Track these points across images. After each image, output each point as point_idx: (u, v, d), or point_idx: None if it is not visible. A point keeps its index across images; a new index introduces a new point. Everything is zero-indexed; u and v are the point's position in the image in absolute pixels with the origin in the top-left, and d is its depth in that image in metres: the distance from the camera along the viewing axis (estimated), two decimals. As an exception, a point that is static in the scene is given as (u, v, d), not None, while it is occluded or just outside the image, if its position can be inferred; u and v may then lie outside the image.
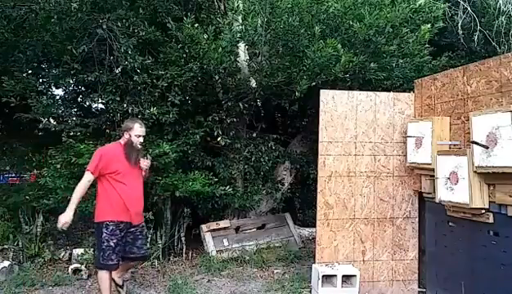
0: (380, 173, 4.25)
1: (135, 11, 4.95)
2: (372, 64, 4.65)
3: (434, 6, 4.90)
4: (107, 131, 5.44)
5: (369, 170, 4.24)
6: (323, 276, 3.97)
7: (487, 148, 2.97)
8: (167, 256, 5.34)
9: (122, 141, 3.73)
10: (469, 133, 3.27)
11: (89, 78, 5.05)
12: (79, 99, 6.58)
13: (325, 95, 4.25)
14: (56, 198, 4.90)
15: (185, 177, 4.98)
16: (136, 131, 3.68)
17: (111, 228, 3.51)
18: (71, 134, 5.23)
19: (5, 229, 5.52)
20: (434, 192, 3.57)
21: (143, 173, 3.86)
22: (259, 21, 4.42)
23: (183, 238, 5.55)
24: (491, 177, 3.04)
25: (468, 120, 3.29)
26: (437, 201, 3.52)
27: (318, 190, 4.21)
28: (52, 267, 4.92)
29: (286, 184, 6.27)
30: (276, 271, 4.96)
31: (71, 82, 5.88)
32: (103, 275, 3.56)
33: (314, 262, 4.23)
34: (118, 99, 5.22)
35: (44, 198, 5.02)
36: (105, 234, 3.50)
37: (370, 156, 4.24)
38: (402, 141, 4.21)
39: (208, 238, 5.42)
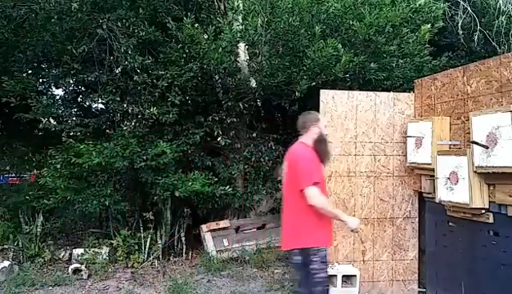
0: (380, 173, 4.25)
1: (135, 11, 4.95)
2: (372, 64, 4.65)
3: (434, 6, 4.91)
4: (107, 131, 5.44)
5: (369, 170, 4.24)
6: (323, 276, 3.96)
7: (487, 148, 2.97)
8: (167, 256, 5.34)
9: (306, 140, 2.90)
10: (469, 133, 3.27)
11: (89, 78, 5.05)
12: (79, 99, 6.58)
13: (325, 95, 4.25)
14: (56, 198, 4.90)
15: (185, 177, 4.97)
16: (324, 122, 3.01)
17: (324, 253, 2.77)
18: (71, 134, 5.23)
19: (5, 229, 5.53)
20: (434, 192, 3.57)
21: None
22: (259, 21, 4.42)
23: (183, 238, 5.55)
24: (491, 177, 3.04)
25: (468, 120, 3.29)
26: (437, 201, 3.52)
27: (318, 190, 4.20)
28: (52, 267, 4.92)
29: (286, 184, 6.26)
30: (276, 271, 4.95)
31: (71, 82, 5.88)
32: None
33: (314, 262, 4.23)
34: (118, 99, 5.23)
35: (44, 198, 5.02)
36: (315, 262, 2.73)
37: (370, 156, 4.24)
38: (402, 141, 4.21)
39: (208, 238, 5.42)
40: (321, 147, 2.86)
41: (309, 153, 2.81)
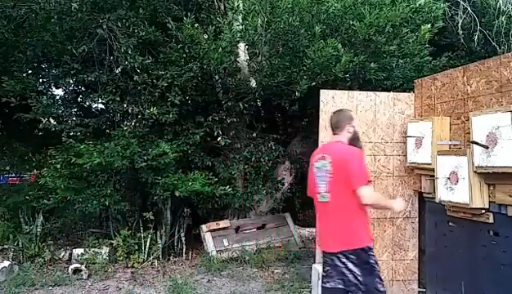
0: (380, 173, 4.24)
1: (135, 11, 4.95)
2: (372, 64, 4.65)
3: (434, 6, 4.90)
4: (107, 131, 5.44)
5: (369, 170, 4.22)
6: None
7: (487, 148, 2.97)
8: (167, 256, 5.34)
9: (342, 139, 2.87)
10: (469, 133, 3.27)
11: (89, 78, 5.05)
12: (79, 99, 6.58)
13: (325, 95, 4.24)
14: (56, 198, 4.91)
15: (185, 177, 4.97)
16: (356, 120, 2.98)
17: (372, 249, 2.80)
18: (71, 134, 5.23)
19: (5, 229, 5.53)
20: (434, 192, 3.57)
21: None
22: (259, 21, 4.42)
23: (183, 238, 5.55)
24: (491, 177, 3.04)
25: (468, 120, 3.29)
26: (437, 201, 3.51)
27: (318, 190, 4.20)
28: (52, 267, 4.92)
29: (286, 184, 6.27)
30: (276, 271, 4.95)
31: (71, 82, 5.88)
32: None
33: (314, 262, 4.23)
34: (118, 99, 5.23)
35: (44, 198, 5.02)
36: (372, 257, 2.75)
37: (370, 156, 4.23)
38: (402, 141, 4.20)
39: (208, 238, 5.42)
40: (356, 146, 2.88)
41: (358, 153, 2.81)
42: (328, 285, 2.81)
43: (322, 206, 2.83)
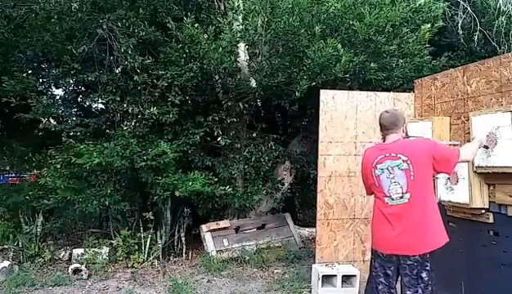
0: (380, 173, 4.24)
1: (135, 11, 4.95)
2: (372, 64, 4.65)
3: (434, 5, 4.90)
4: (107, 131, 5.44)
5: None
6: (323, 276, 3.96)
7: (487, 148, 2.97)
8: (167, 256, 5.34)
9: (399, 137, 2.80)
10: (469, 133, 3.27)
11: (89, 78, 5.05)
12: (79, 99, 6.59)
13: (325, 95, 4.24)
14: (56, 198, 4.91)
15: (185, 177, 4.97)
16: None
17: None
18: (71, 134, 5.23)
19: (5, 229, 5.53)
20: (434, 192, 3.57)
21: None
22: (259, 21, 4.42)
23: (183, 238, 5.55)
24: (491, 177, 3.04)
25: (468, 120, 3.30)
26: (437, 201, 3.51)
27: (318, 190, 4.21)
28: (52, 267, 4.92)
29: (286, 184, 6.27)
30: (276, 271, 4.95)
31: (71, 82, 5.88)
32: None
33: (314, 262, 4.23)
34: (118, 99, 5.23)
35: (44, 198, 5.02)
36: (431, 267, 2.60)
37: (370, 156, 4.23)
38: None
39: (208, 238, 5.42)
40: None
41: (427, 139, 2.97)
42: None
43: (394, 208, 2.64)
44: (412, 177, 2.58)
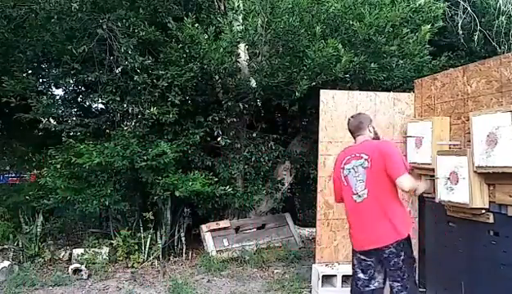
0: (380, 173, 4.24)
1: (135, 11, 4.95)
2: (372, 65, 4.65)
3: (434, 5, 4.90)
4: (107, 131, 5.44)
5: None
6: (323, 276, 3.97)
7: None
8: (167, 256, 5.34)
9: (368, 138, 2.98)
10: (469, 133, 3.27)
11: (89, 78, 5.06)
12: (79, 99, 6.59)
13: (325, 95, 4.24)
14: (56, 198, 4.91)
15: (185, 177, 4.97)
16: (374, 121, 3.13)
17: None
18: (71, 134, 5.24)
19: (5, 229, 5.53)
20: (434, 192, 3.57)
21: None
22: (259, 21, 4.42)
23: (183, 238, 5.55)
24: (491, 177, 3.03)
25: (468, 120, 3.29)
26: (437, 201, 3.51)
27: (318, 190, 4.21)
28: (52, 267, 4.92)
29: (286, 184, 6.28)
30: (276, 271, 4.95)
31: (71, 82, 5.89)
32: None
33: (314, 262, 4.23)
34: (118, 99, 5.23)
35: (44, 198, 5.02)
36: (411, 252, 2.80)
37: (370, 156, 4.23)
38: (402, 141, 4.20)
39: (208, 238, 5.42)
40: None
41: (394, 145, 3.04)
42: (372, 286, 2.83)
43: (361, 205, 2.80)
44: (371, 174, 2.75)
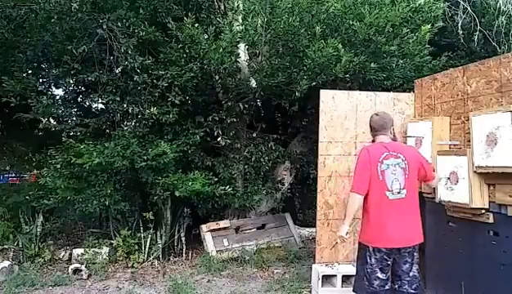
0: (380, 173, 4.24)
1: (135, 11, 4.95)
2: (372, 65, 4.65)
3: (434, 5, 4.90)
4: (107, 131, 5.43)
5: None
6: (323, 276, 3.97)
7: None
8: (167, 256, 5.34)
9: (388, 139, 3.08)
10: (469, 133, 3.27)
11: (89, 78, 5.05)
12: (79, 99, 6.59)
13: (325, 95, 4.24)
14: (56, 198, 4.91)
15: (185, 177, 4.97)
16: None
17: None
18: (71, 134, 5.23)
19: (5, 229, 5.53)
20: (434, 192, 3.57)
21: None
22: (259, 21, 4.42)
23: (183, 238, 5.55)
24: (491, 177, 3.04)
25: (468, 120, 3.29)
26: (437, 201, 3.52)
27: (318, 190, 4.21)
28: (52, 267, 4.93)
29: (286, 184, 6.27)
30: (276, 271, 4.95)
31: (71, 82, 5.88)
32: None
33: (314, 262, 4.23)
34: (118, 99, 5.23)
35: (44, 198, 5.02)
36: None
37: (370, 156, 4.23)
38: (402, 141, 4.20)
39: (208, 238, 5.42)
40: None
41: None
42: (387, 287, 2.92)
43: (394, 203, 2.88)
44: (407, 176, 2.90)
